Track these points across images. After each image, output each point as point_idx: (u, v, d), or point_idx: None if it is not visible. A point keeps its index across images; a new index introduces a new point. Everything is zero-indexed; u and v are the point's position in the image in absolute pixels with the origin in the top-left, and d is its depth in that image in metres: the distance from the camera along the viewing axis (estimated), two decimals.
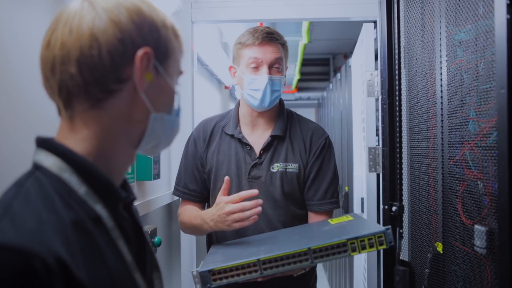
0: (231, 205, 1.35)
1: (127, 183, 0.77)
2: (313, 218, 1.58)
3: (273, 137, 1.57)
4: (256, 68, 1.53)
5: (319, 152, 1.58)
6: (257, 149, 1.57)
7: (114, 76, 0.65)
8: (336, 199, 1.59)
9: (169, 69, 0.72)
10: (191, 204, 1.63)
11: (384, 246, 1.21)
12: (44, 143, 0.67)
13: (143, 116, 0.70)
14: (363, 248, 1.20)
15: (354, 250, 1.20)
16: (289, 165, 1.55)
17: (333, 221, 1.45)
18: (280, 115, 1.62)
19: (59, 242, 0.56)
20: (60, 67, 0.64)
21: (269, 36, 1.53)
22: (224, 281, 1.20)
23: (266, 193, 1.53)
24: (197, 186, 1.62)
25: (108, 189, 0.67)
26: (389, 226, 1.23)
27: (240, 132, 1.59)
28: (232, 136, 1.59)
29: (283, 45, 1.58)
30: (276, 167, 1.55)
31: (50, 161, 0.65)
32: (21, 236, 0.54)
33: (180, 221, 1.62)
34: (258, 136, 1.60)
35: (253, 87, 1.53)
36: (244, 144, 1.57)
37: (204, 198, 1.64)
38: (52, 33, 0.66)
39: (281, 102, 1.65)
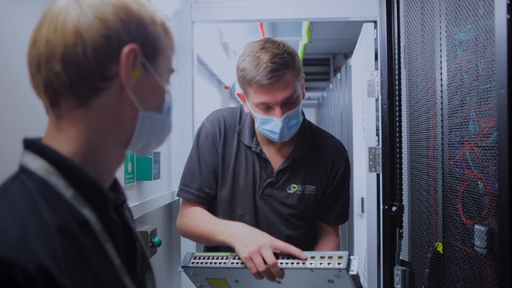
0: (270, 254, 1.20)
1: (117, 183, 0.75)
2: (324, 228, 1.58)
3: (293, 160, 1.48)
4: (267, 109, 1.36)
5: (340, 178, 1.53)
6: (274, 165, 1.49)
7: (99, 73, 0.64)
8: (348, 212, 1.60)
9: (159, 66, 0.70)
10: (200, 207, 1.48)
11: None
12: (31, 145, 0.65)
13: (131, 115, 0.68)
14: None
15: None
16: (307, 187, 1.49)
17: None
18: (302, 133, 1.50)
19: (43, 249, 0.54)
20: (45, 65, 0.63)
21: (275, 76, 1.29)
22: (199, 265, 1.28)
23: (277, 212, 1.48)
24: (213, 189, 1.48)
25: (96, 191, 0.66)
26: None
27: (258, 145, 1.48)
28: (249, 147, 1.49)
29: (294, 66, 1.34)
30: (293, 188, 1.48)
31: (36, 164, 0.63)
32: (2, 245, 0.52)
33: (186, 224, 1.46)
34: (274, 153, 1.50)
35: (268, 128, 1.38)
36: (261, 157, 1.48)
37: (213, 203, 1.51)
38: (38, 31, 0.65)
39: (303, 115, 1.51)
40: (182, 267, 1.31)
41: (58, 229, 0.58)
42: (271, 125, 1.37)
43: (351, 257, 1.15)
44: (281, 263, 1.20)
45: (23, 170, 0.63)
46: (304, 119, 1.52)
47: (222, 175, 1.49)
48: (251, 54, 1.34)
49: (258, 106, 1.36)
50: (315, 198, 1.51)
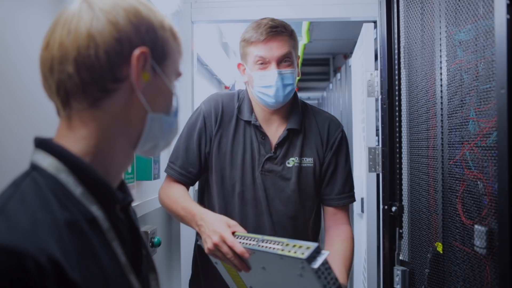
0: (229, 240, 1.19)
1: (125, 184, 0.77)
2: (331, 212, 1.55)
3: (289, 131, 1.50)
4: (264, 65, 1.45)
5: (336, 147, 1.54)
6: (272, 142, 1.51)
7: (111, 75, 0.66)
8: (353, 192, 1.56)
9: (167, 70, 0.73)
10: (181, 184, 1.51)
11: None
12: (42, 144, 0.67)
13: (140, 116, 0.70)
14: None
15: None
16: (304, 159, 1.50)
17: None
18: (295, 107, 1.55)
19: (53, 242, 0.56)
20: (58, 67, 0.65)
21: (274, 31, 1.43)
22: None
23: (279, 189, 1.48)
24: (195, 168, 1.51)
25: (105, 190, 0.68)
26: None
27: (257, 119, 1.51)
28: (247, 122, 1.51)
29: (291, 35, 1.47)
30: (292, 161, 1.50)
31: (47, 162, 0.65)
32: (15, 236, 0.54)
33: (163, 199, 1.50)
34: (273, 131, 1.52)
35: (264, 84, 1.45)
36: (259, 132, 1.50)
37: (196, 181, 1.56)
38: (51, 34, 0.66)
39: (294, 95, 1.56)
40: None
41: (68, 225, 0.60)
42: (266, 79, 1.44)
43: (322, 251, 1.04)
44: (249, 244, 1.15)
45: (34, 168, 0.65)
46: (297, 96, 1.58)
47: (218, 154, 1.50)
48: (253, 23, 1.48)
49: (257, 63, 1.45)
50: (314, 171, 1.51)
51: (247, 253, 1.16)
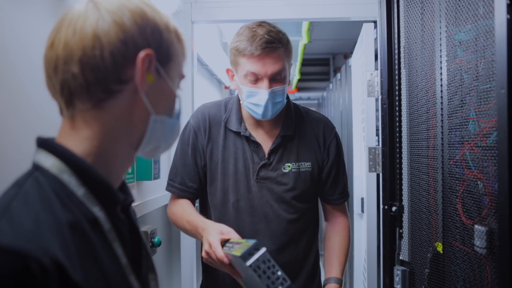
0: (216, 249, 1.19)
1: (125, 185, 0.77)
2: (330, 208, 1.59)
3: (282, 137, 1.49)
4: (255, 81, 1.39)
5: (334, 151, 1.54)
6: (265, 148, 1.49)
7: (115, 76, 0.66)
8: (348, 190, 1.62)
9: (171, 72, 0.73)
10: (184, 199, 1.53)
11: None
12: (45, 144, 0.67)
13: (143, 118, 0.70)
14: None
15: None
16: (302, 164, 1.50)
17: None
18: (287, 112, 1.52)
19: (56, 244, 0.56)
20: (62, 67, 0.65)
21: (269, 47, 1.35)
22: None
23: (276, 195, 1.47)
24: (195, 183, 1.51)
25: (106, 191, 0.68)
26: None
27: (246, 129, 1.49)
28: (237, 133, 1.49)
29: (286, 48, 1.40)
30: (288, 167, 1.48)
31: (49, 162, 0.65)
32: (19, 238, 0.54)
33: (170, 217, 1.54)
34: (264, 136, 1.50)
35: (253, 101, 1.40)
36: (251, 141, 1.48)
37: (199, 195, 1.56)
38: (57, 34, 0.66)
39: (286, 97, 1.51)
40: None
41: (70, 226, 0.60)
42: (257, 97, 1.40)
43: (261, 249, 1.01)
44: (228, 249, 1.16)
45: (37, 168, 0.65)
46: (289, 100, 1.55)
47: (210, 165, 1.50)
48: (247, 29, 1.40)
49: (247, 77, 1.39)
50: (311, 175, 1.51)
51: (225, 258, 1.16)
